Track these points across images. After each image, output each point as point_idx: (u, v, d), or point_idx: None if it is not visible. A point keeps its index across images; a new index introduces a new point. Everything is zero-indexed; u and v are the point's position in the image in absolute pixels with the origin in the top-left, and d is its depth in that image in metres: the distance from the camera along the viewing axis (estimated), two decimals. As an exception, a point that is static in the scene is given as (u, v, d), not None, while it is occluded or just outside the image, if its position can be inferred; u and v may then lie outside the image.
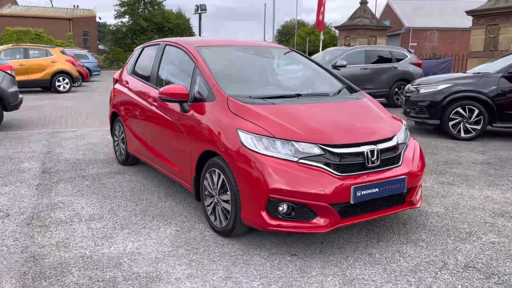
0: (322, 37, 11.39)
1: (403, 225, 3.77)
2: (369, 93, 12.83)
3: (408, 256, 3.19)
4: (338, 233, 3.57)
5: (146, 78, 4.83)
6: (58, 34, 33.01)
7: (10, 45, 16.53)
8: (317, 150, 3.09)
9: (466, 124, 7.56)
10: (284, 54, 4.70)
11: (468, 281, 2.84)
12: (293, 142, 3.10)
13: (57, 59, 15.90)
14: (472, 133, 7.56)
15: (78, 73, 17.09)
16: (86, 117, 9.94)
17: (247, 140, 3.14)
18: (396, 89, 12.35)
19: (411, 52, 13.02)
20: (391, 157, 3.36)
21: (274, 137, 3.11)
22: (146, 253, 3.20)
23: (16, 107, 8.19)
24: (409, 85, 8.62)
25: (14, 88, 8.15)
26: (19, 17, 33.32)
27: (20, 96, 8.44)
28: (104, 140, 7.24)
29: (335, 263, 3.07)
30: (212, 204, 3.55)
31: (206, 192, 3.62)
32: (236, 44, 4.61)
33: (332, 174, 3.04)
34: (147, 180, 4.99)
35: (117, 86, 5.62)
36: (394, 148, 3.40)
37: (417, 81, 8.73)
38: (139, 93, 4.82)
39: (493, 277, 2.90)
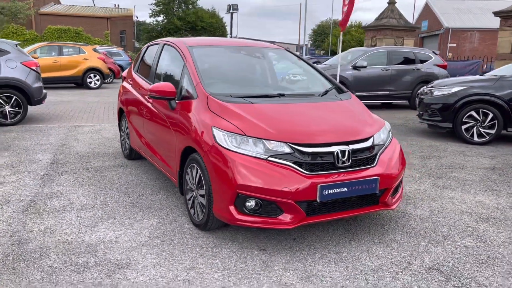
0: (341, 37, 11.30)
1: (382, 226, 3.79)
2: (390, 95, 12.55)
3: (375, 256, 3.23)
4: (313, 230, 3.64)
5: (146, 76, 5.04)
6: (97, 32, 34.16)
7: (46, 42, 17.31)
8: (286, 149, 3.18)
9: (479, 128, 7.39)
10: (277, 54, 4.79)
11: (426, 283, 2.85)
12: (263, 140, 3.20)
13: (89, 56, 16.53)
14: (485, 137, 7.38)
15: (109, 70, 17.68)
16: (107, 113, 10.33)
17: (220, 137, 3.27)
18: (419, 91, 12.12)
19: (436, 54, 12.75)
20: (365, 157, 3.39)
21: (245, 135, 3.22)
22: (123, 241, 3.38)
23: (39, 101, 8.62)
24: (424, 87, 8.49)
25: (39, 84, 8.59)
26: (60, 16, 34.69)
27: (44, 91, 8.89)
28: (117, 135, 7.53)
29: (300, 259, 3.14)
30: (192, 198, 3.69)
31: (188, 187, 3.76)
32: (229, 44, 4.74)
33: (299, 173, 3.12)
34: (145, 174, 5.19)
35: (124, 83, 5.86)
36: (369, 149, 3.43)
37: (434, 83, 8.58)
38: (140, 91, 5.04)
39: (453, 280, 2.90)
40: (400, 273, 2.98)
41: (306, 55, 22.26)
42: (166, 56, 4.70)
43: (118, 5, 49.13)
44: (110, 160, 5.84)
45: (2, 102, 8.13)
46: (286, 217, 3.13)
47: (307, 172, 3.15)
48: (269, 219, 3.15)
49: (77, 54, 16.46)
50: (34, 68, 8.50)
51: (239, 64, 4.56)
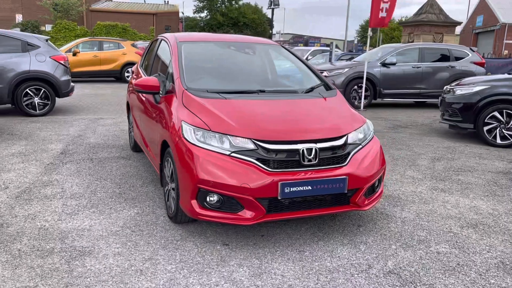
0: (370, 33, 11.01)
1: (358, 227, 3.70)
2: (421, 94, 12.12)
3: (338, 256, 3.16)
4: (284, 228, 3.61)
5: (145, 71, 5.17)
6: (142, 28, 35.18)
7: (87, 38, 18.05)
8: (250, 145, 3.17)
9: (503, 130, 6.99)
10: (270, 50, 4.77)
11: (379, 287, 2.77)
12: (228, 136, 3.21)
13: (127, 51, 17.08)
14: (509, 139, 6.98)
15: (146, 65, 18.16)
16: (134, 106, 10.64)
17: (187, 131, 3.31)
18: (453, 89, 11.61)
19: (473, 51, 12.15)
20: (335, 156, 3.32)
21: (211, 130, 3.24)
22: (95, 230, 3.50)
23: (67, 94, 9.04)
24: (448, 85, 8.13)
25: (66, 77, 9.00)
26: (109, 12, 36.03)
27: (72, 84, 9.29)
28: (133, 128, 7.76)
29: (259, 256, 3.13)
30: (167, 191, 3.77)
31: (165, 180, 3.84)
32: (222, 39, 4.77)
33: (262, 169, 3.11)
34: (144, 166, 5.33)
35: (131, 78, 6.03)
36: (340, 147, 3.36)
37: (463, 81, 8.20)
38: (139, 85, 5.17)
39: (409, 285, 2.79)
40: (356, 275, 2.90)
41: (344, 51, 21.83)
42: (161, 52, 4.79)
43: (168, 1, 50.42)
44: (117, 151, 6.04)
45: (32, 94, 8.58)
46: (246, 213, 3.13)
47: (269, 169, 3.12)
48: (230, 214, 3.16)
49: (116, 49, 17.06)
50: (62, 62, 8.91)
51: (227, 60, 4.57)
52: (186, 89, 3.69)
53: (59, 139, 6.68)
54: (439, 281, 2.85)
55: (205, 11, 32.92)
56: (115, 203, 4.10)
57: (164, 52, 4.63)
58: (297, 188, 3.14)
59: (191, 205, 3.20)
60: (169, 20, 38.25)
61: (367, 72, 10.87)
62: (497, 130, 7.02)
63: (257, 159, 3.14)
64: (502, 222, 3.88)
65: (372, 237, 3.50)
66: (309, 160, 3.21)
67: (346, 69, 11.30)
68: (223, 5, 32.90)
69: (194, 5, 32.96)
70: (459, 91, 7.47)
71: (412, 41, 15.77)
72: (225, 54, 4.61)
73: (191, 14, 34.91)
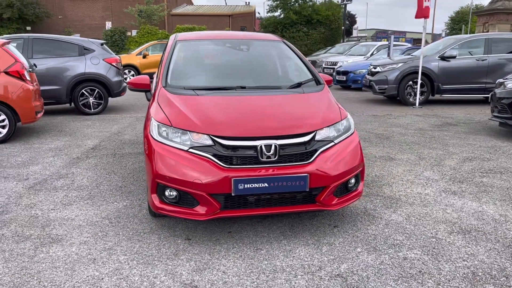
0: (425, 25, 10.32)
1: (334, 227, 3.54)
2: (487, 89, 11.07)
3: (293, 256, 3.06)
4: (255, 225, 3.56)
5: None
6: (219, 29, 36.27)
7: (156, 41, 19.03)
8: (208, 141, 3.18)
9: (559, 128, 6.21)
10: (269, 46, 4.71)
11: (315, 290, 2.64)
12: (188, 131, 3.25)
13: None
14: None
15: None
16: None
17: (152, 127, 3.41)
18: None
19: (551, 40, 10.87)
20: (298, 153, 3.21)
21: (172, 126, 3.30)
22: (77, 220, 3.72)
23: (119, 94, 9.66)
24: (501, 78, 7.38)
25: (118, 78, 9.61)
26: (189, 16, 37.61)
27: (124, 84, 9.90)
28: (171, 126, 8.06)
29: (213, 253, 3.13)
30: (149, 185, 3.89)
31: (149, 174, 3.97)
32: (220, 37, 4.81)
33: (217, 165, 3.10)
34: (158, 162, 5.53)
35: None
36: (305, 144, 3.24)
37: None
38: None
39: (349, 291, 2.62)
40: (299, 276, 2.79)
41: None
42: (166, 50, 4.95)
43: (249, 2, 51.43)
44: (141, 148, 6.34)
45: (87, 94, 9.29)
46: (200, 209, 3.15)
47: (225, 165, 3.11)
48: (186, 209, 3.20)
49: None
50: (114, 64, 9.53)
51: (220, 57, 4.59)
52: (163, 87, 3.79)
53: (98, 136, 7.16)
54: (385, 289, 2.64)
55: (279, 10, 33.05)
56: (110, 196, 4.32)
57: (164, 51, 4.78)
58: (252, 185, 3.08)
59: (152, 199, 3.29)
60: (245, 21, 39.00)
61: (423, 67, 10.24)
62: (553, 128, 6.26)
63: (214, 155, 3.14)
64: (502, 230, 3.47)
65: (341, 239, 3.33)
66: (268, 157, 3.14)
67: (400, 64, 10.72)
68: (296, 4, 32.73)
69: (268, 5, 33.17)
70: (511, 84, 6.76)
71: (487, 31, 14.49)
72: (220, 51, 4.64)
73: (265, 14, 35.39)
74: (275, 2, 32.64)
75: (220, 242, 3.30)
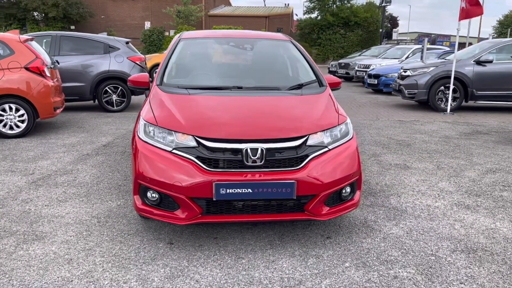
0: (459, 27, 9.82)
1: (327, 238, 3.32)
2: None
3: (274, 268, 2.87)
4: (244, 232, 3.40)
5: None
6: (255, 30, 36.32)
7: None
8: (192, 142, 3.05)
9: None
10: (276, 46, 4.52)
11: (288, 307, 2.44)
12: (173, 132, 3.12)
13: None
14: None
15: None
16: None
17: (139, 126, 3.31)
18: None
19: None
20: (286, 158, 3.03)
21: (158, 126, 3.19)
22: (67, 217, 3.68)
23: (141, 92, 9.70)
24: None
25: (141, 76, 9.66)
26: (226, 17, 37.86)
27: (147, 83, 9.96)
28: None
29: (192, 259, 2.99)
30: (142, 186, 3.80)
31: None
32: (225, 36, 4.67)
33: (199, 168, 2.96)
34: (164, 162, 5.46)
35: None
36: (295, 149, 3.04)
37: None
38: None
39: (324, 310, 2.41)
40: (275, 291, 2.60)
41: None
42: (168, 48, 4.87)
43: (288, 4, 51.28)
44: (152, 146, 6.28)
45: (110, 92, 9.39)
46: (180, 213, 3.02)
47: (208, 168, 2.96)
48: (167, 213, 3.07)
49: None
50: (138, 62, 9.59)
51: (222, 56, 4.46)
52: (157, 85, 3.69)
53: (114, 133, 7.19)
54: (365, 310, 2.42)
55: (316, 12, 32.68)
56: (107, 194, 4.26)
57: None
58: (234, 190, 2.92)
59: (134, 200, 3.19)
60: (281, 22, 38.84)
61: (456, 71, 9.74)
62: None
63: (197, 157, 3.00)
64: (511, 251, 3.15)
65: (331, 251, 3.11)
66: (254, 161, 2.97)
67: (431, 68, 10.24)
68: (334, 5, 32.27)
69: (305, 6, 32.89)
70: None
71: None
72: (222, 50, 4.50)
73: (303, 15, 35.16)
74: (312, 4, 32.36)
75: (203, 248, 3.15)
